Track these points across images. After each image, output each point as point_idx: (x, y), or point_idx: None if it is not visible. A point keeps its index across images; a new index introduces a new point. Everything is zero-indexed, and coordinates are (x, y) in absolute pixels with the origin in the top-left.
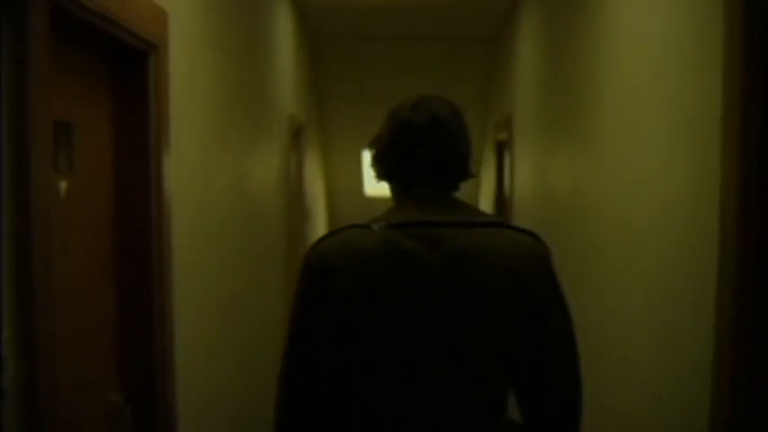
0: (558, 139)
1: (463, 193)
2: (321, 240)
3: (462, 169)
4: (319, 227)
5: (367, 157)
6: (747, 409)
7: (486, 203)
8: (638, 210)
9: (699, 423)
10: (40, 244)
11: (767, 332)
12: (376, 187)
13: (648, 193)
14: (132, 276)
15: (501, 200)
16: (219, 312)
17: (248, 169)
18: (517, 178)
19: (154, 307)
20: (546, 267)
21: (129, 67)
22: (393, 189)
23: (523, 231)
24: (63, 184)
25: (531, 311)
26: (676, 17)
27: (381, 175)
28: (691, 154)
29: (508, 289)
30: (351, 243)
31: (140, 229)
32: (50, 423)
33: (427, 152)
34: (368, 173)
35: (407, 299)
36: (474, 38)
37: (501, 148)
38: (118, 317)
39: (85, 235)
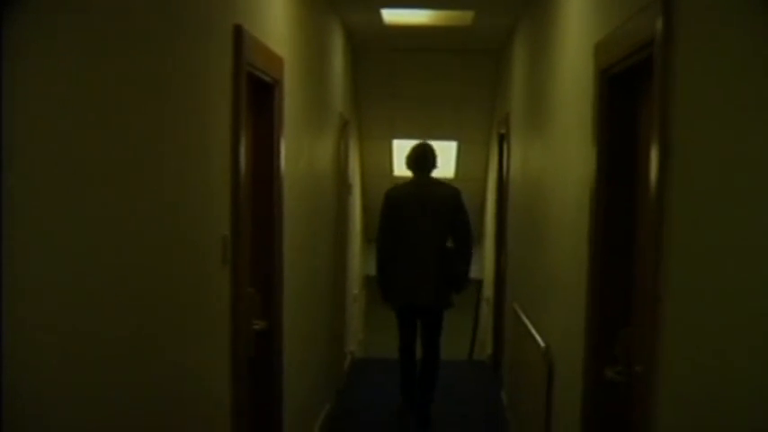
0: (535, 134)
1: (474, 177)
2: (390, 189)
3: (433, 167)
4: (356, 199)
5: (395, 145)
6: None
7: (491, 184)
8: (567, 185)
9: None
10: (241, 193)
11: (610, 265)
12: (403, 171)
13: (570, 176)
14: (262, 214)
15: (501, 182)
16: (298, 247)
17: (315, 154)
18: (511, 165)
19: (275, 234)
20: (458, 199)
21: (264, 94)
22: (412, 173)
23: (451, 186)
24: None
25: (452, 213)
26: (582, 74)
27: (408, 168)
28: (583, 156)
29: (444, 205)
30: (397, 189)
31: (267, 190)
32: (241, 292)
33: (419, 165)
34: (397, 159)
35: (413, 207)
36: (483, 50)
37: (502, 141)
38: (252, 238)
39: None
